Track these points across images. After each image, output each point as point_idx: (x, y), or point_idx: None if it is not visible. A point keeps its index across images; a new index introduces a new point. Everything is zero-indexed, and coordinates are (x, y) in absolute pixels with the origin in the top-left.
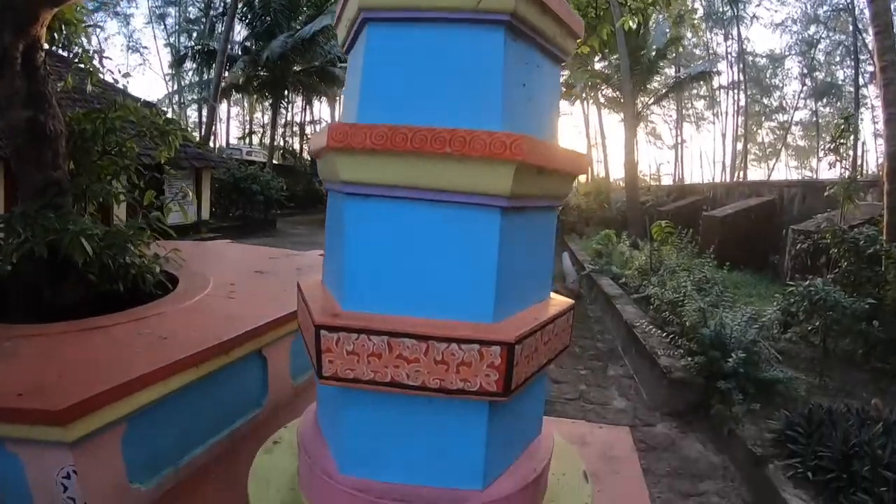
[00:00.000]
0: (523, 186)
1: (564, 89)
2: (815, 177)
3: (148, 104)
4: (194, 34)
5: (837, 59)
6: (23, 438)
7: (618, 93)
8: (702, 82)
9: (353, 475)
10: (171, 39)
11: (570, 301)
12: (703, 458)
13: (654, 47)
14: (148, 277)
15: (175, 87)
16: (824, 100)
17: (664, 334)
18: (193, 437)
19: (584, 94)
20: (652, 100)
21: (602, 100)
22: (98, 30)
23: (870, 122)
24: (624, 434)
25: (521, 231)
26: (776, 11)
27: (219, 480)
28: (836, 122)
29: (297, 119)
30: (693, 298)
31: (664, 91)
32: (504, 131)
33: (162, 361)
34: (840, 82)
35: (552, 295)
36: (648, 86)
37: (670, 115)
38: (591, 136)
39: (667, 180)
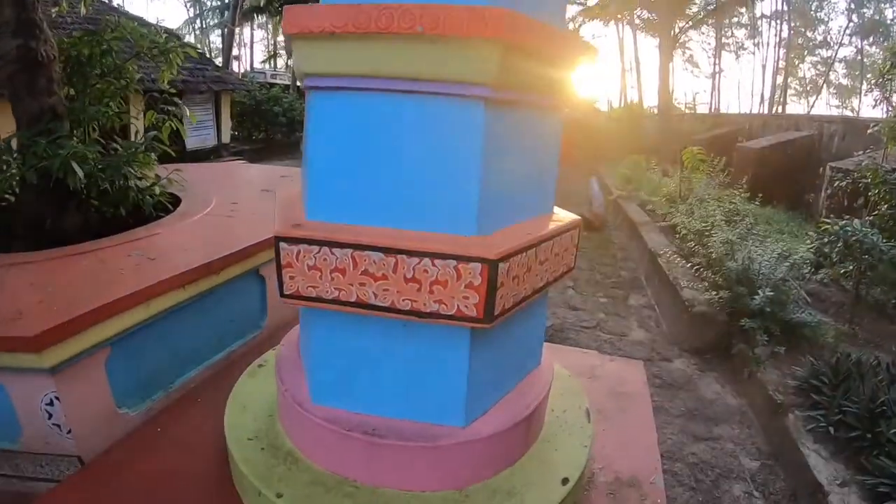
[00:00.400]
0: (511, 73)
1: (598, 9)
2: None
3: (168, 31)
4: None
5: None
6: (4, 366)
7: (654, 14)
8: (743, 9)
9: (325, 405)
10: None
11: (575, 217)
12: (719, 401)
13: None
14: (147, 199)
15: (196, 11)
16: (871, 38)
17: (689, 265)
18: (186, 361)
19: (618, 15)
20: (690, 24)
21: (637, 21)
22: None
23: None
24: (636, 368)
25: (514, 131)
26: None
27: (208, 405)
28: (882, 59)
29: None
30: (721, 229)
31: (703, 15)
32: (486, 5)
33: (144, 283)
34: (889, 21)
35: (556, 210)
36: (687, 10)
37: (709, 43)
38: (626, 61)
39: (702, 110)
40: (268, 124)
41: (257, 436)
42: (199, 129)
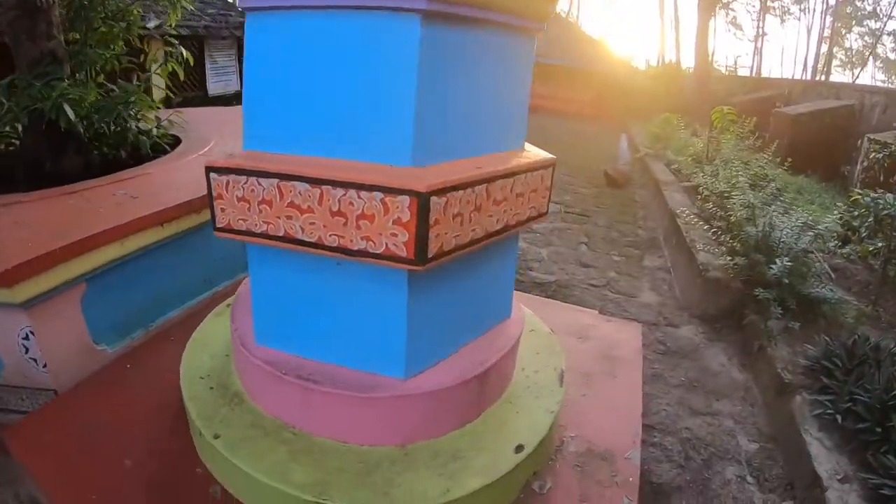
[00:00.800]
0: None
1: None
2: None
3: None
4: None
5: None
6: None
7: None
8: None
9: (268, 346)
10: None
11: (548, 157)
12: (724, 373)
13: None
14: (143, 140)
15: None
16: None
17: (708, 228)
18: (169, 300)
19: None
20: None
21: None
22: None
23: None
24: (632, 331)
25: (466, 53)
26: None
27: (181, 343)
28: None
29: None
30: (743, 192)
31: None
32: None
33: (119, 220)
34: None
35: (529, 148)
36: None
37: (753, 6)
38: (667, 19)
39: (743, 73)
40: None
41: (210, 374)
42: (221, 74)
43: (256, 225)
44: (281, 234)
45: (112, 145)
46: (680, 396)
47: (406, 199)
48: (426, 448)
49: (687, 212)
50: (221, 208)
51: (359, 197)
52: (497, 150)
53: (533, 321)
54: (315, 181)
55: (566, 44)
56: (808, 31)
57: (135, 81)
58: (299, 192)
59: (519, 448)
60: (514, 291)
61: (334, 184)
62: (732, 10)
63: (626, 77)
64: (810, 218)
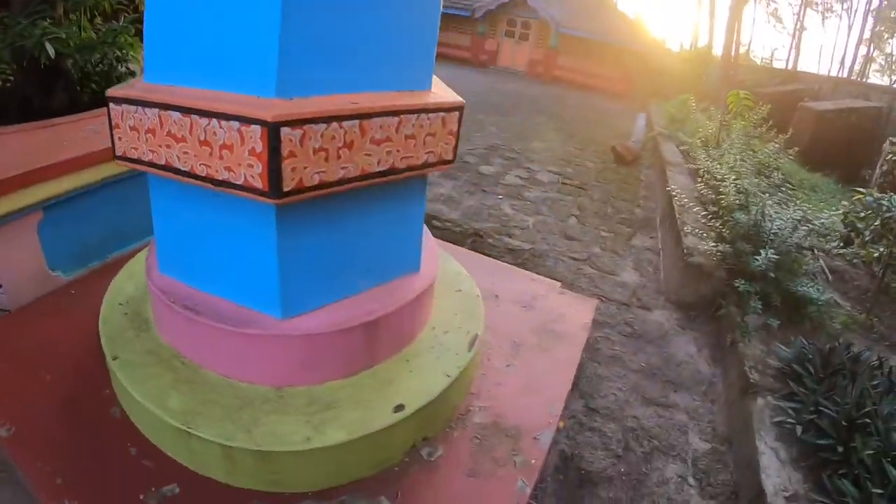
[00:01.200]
0: None
1: None
2: None
3: None
4: None
5: None
6: None
7: None
8: None
9: (168, 275)
10: None
11: (455, 100)
12: (690, 365)
13: None
14: (129, 79)
15: None
16: None
17: (705, 213)
18: (128, 234)
19: None
20: None
21: None
22: None
23: None
24: (585, 307)
25: None
26: None
27: None
28: None
29: None
30: (740, 176)
31: None
32: None
33: (77, 153)
34: None
35: (439, 90)
36: None
37: (796, 0)
38: (704, 4)
39: (779, 66)
40: None
41: (129, 302)
42: None
43: (145, 153)
44: (163, 162)
45: (99, 83)
46: (635, 382)
47: (258, 129)
48: (303, 394)
49: (684, 194)
50: (119, 137)
51: (220, 126)
52: (390, 87)
53: (463, 282)
54: (186, 110)
55: (596, 17)
56: (849, 31)
57: (122, 21)
58: (174, 122)
59: (399, 408)
60: (477, 254)
61: (201, 113)
62: (774, 1)
63: (656, 57)
64: (809, 212)
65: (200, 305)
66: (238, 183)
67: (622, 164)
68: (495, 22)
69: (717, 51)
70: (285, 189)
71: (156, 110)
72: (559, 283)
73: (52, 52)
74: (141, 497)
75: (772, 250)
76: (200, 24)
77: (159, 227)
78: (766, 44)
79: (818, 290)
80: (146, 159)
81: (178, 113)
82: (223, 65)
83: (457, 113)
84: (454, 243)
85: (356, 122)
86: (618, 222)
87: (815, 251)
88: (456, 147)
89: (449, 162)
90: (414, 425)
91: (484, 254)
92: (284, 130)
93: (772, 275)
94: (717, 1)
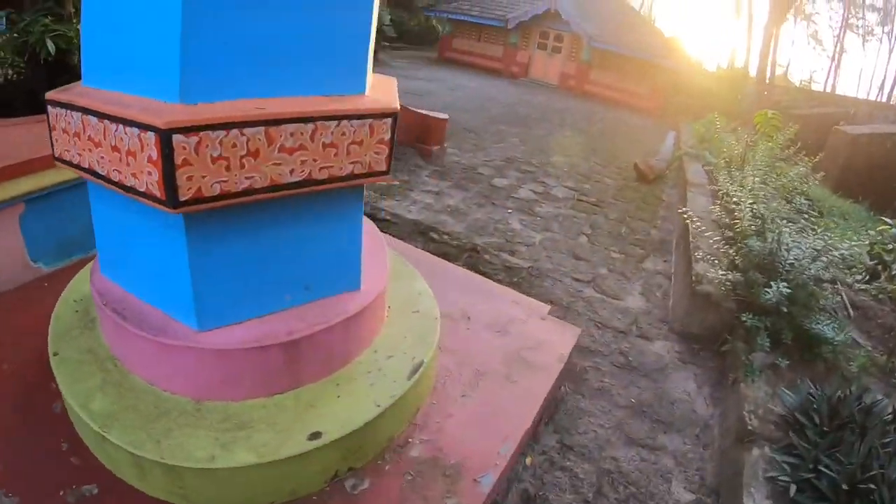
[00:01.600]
0: None
1: None
2: None
3: None
4: None
5: None
6: None
7: None
8: None
9: (107, 277)
10: None
11: (385, 106)
12: (685, 404)
13: None
14: None
15: None
16: None
17: (720, 237)
18: None
19: None
20: None
21: None
22: None
23: None
24: (566, 336)
25: None
26: None
27: None
28: None
29: None
30: (756, 198)
31: None
32: None
33: None
34: None
35: (376, 95)
36: None
37: (837, 22)
38: (743, 21)
39: (817, 89)
40: None
41: (82, 299)
42: None
43: (74, 156)
44: (87, 166)
45: None
46: (620, 420)
47: (152, 135)
48: (220, 409)
49: (701, 216)
50: (55, 139)
51: (125, 132)
52: (314, 91)
53: (423, 302)
54: (101, 115)
55: (631, 33)
56: (889, 55)
57: None
58: (93, 126)
59: (315, 435)
60: (464, 271)
61: (111, 118)
62: (814, 22)
63: (690, 76)
64: (832, 241)
65: (129, 311)
66: (142, 190)
67: (644, 183)
68: (528, 33)
69: (754, 71)
70: (182, 198)
71: (79, 114)
72: (547, 307)
73: (52, 48)
74: (61, 493)
75: (784, 283)
76: (119, 28)
77: (97, 230)
78: (805, 66)
79: (835, 328)
80: (75, 162)
81: (94, 118)
82: (137, 69)
83: (388, 120)
84: (448, 258)
85: (261, 128)
86: (631, 243)
87: (837, 284)
88: (389, 157)
89: (382, 173)
90: (336, 454)
91: (477, 271)
92: (177, 138)
93: (784, 309)
94: (755, 21)
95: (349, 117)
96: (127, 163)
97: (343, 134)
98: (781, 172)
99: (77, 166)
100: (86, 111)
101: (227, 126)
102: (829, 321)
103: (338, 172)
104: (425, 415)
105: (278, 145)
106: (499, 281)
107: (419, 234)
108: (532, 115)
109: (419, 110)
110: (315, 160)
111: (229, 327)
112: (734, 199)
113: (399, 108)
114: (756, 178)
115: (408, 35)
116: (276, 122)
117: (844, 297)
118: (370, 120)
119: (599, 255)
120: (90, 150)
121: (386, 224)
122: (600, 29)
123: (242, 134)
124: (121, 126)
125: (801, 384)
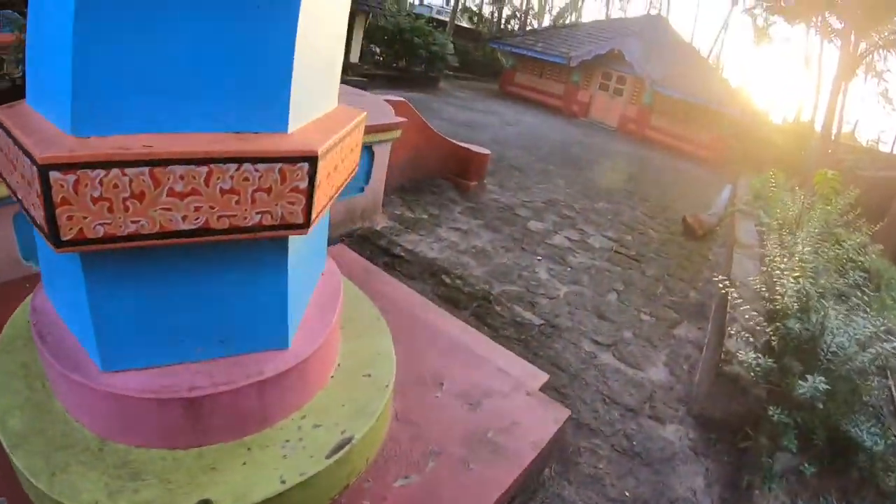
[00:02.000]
0: None
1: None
2: None
3: None
4: None
5: None
6: None
7: (842, 22)
8: None
9: (47, 301)
10: None
11: (308, 148)
12: None
13: None
14: None
15: None
16: None
17: (761, 310)
18: None
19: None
20: (880, 42)
21: (829, 29)
22: None
23: None
24: (551, 419)
25: None
26: None
27: None
28: None
29: None
30: (804, 271)
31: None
32: None
33: None
34: None
35: (310, 131)
36: (881, 26)
37: None
38: (813, 76)
39: (885, 150)
40: (409, 54)
41: None
42: None
43: (7, 174)
44: (12, 186)
45: None
46: None
47: (35, 169)
48: (121, 452)
49: (745, 283)
50: None
51: (25, 161)
52: (223, 128)
53: (380, 366)
54: (14, 141)
55: (695, 79)
56: None
57: None
58: (10, 149)
59: (203, 503)
60: (462, 324)
61: (17, 145)
62: (885, 80)
63: (754, 127)
64: (888, 325)
65: (52, 336)
66: (39, 223)
67: (691, 238)
68: (590, 73)
69: (819, 127)
70: (63, 238)
71: (4, 134)
72: (545, 377)
73: None
74: None
75: (822, 378)
76: (41, 49)
77: (41, 259)
78: (874, 125)
79: (876, 431)
80: (7, 180)
81: (10, 141)
82: (48, 95)
83: (304, 165)
84: (455, 306)
85: (145, 169)
86: (665, 305)
87: (888, 375)
88: (308, 209)
89: (299, 227)
90: None
91: (483, 323)
92: (54, 175)
93: (820, 405)
94: (824, 75)
95: (252, 160)
96: (28, 191)
97: (246, 179)
98: (837, 240)
99: (8, 185)
100: (8, 133)
101: (106, 165)
102: (870, 423)
103: (241, 223)
104: (349, 498)
105: (166, 188)
106: (505, 338)
107: (430, 276)
108: (584, 157)
109: (460, 143)
110: (212, 207)
111: (133, 372)
112: (777, 270)
113: (319, 152)
114: (807, 248)
115: (472, 65)
116: (163, 162)
117: (894, 391)
118: (280, 164)
119: (627, 315)
120: (10, 173)
121: (398, 261)
122: (664, 73)
123: (124, 174)
124: (21, 154)
125: (825, 501)
